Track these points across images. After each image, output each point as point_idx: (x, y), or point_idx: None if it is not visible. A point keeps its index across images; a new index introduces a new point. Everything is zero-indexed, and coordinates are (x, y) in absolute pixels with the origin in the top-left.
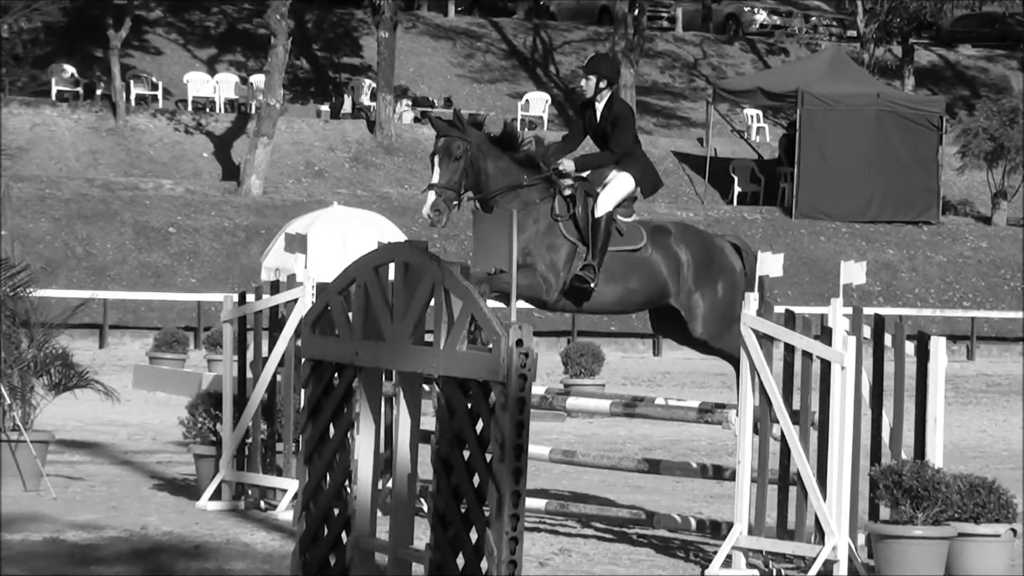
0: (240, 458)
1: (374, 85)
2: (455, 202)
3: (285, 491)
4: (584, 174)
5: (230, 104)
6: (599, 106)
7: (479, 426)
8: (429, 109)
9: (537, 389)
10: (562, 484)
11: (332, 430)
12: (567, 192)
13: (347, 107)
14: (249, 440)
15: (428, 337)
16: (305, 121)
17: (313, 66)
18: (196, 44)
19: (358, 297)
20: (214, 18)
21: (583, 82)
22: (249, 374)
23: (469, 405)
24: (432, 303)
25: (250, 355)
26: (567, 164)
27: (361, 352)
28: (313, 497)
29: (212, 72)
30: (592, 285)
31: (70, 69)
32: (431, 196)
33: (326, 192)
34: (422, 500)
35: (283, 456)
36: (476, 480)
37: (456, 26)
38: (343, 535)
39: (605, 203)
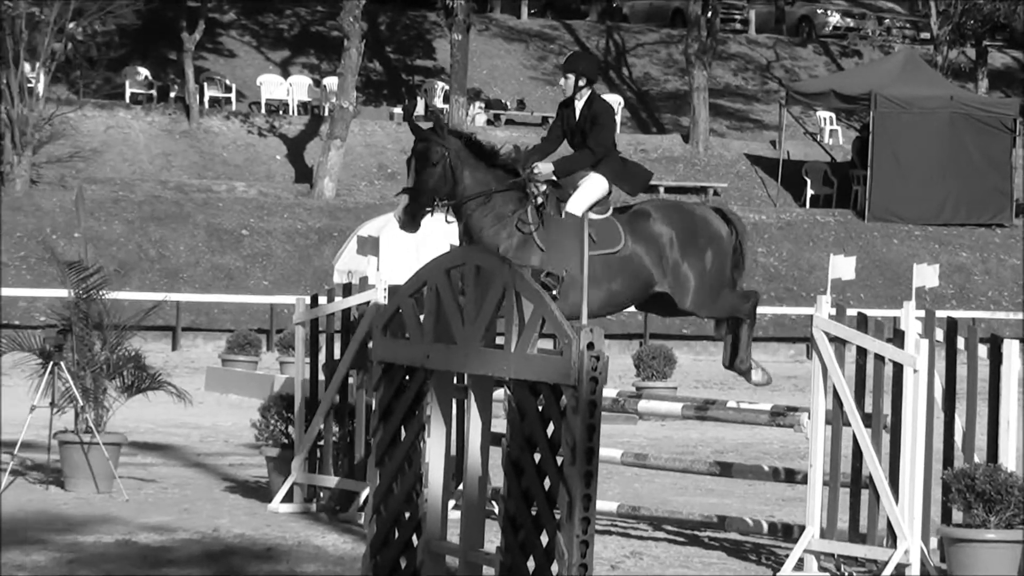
0: (312, 460)
1: (447, 87)
2: (427, 208)
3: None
4: (556, 177)
5: (303, 106)
6: (578, 105)
7: (550, 429)
8: (502, 112)
9: (609, 392)
10: (634, 487)
11: (403, 433)
12: (539, 200)
13: (420, 109)
14: (321, 442)
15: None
16: (378, 123)
17: (386, 68)
18: (269, 46)
19: (429, 300)
20: (287, 20)
21: (561, 81)
22: (321, 376)
23: (540, 408)
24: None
25: (322, 357)
26: (542, 167)
27: (432, 355)
28: (384, 500)
29: (285, 74)
30: (554, 292)
31: (144, 72)
32: (404, 199)
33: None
34: (493, 503)
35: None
36: (547, 483)
37: (529, 28)
38: (414, 538)
39: (573, 208)
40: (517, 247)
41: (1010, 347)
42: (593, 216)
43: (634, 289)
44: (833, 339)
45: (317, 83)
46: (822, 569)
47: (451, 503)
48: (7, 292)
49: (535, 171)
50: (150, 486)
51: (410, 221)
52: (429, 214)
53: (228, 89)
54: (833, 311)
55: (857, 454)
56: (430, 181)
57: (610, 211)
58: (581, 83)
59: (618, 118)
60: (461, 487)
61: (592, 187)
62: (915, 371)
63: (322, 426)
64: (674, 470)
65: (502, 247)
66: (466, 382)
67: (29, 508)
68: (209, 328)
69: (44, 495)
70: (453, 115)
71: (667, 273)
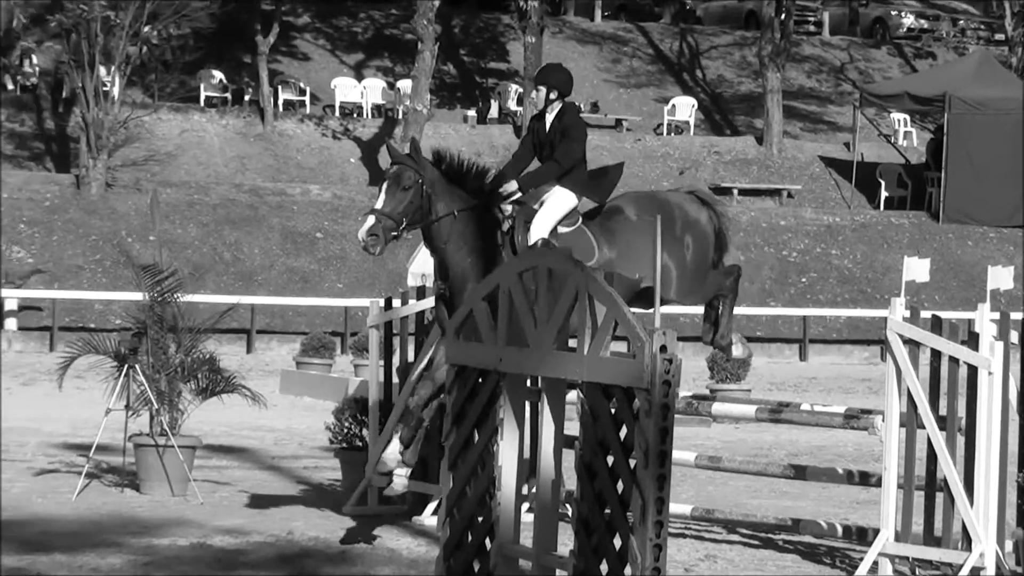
0: None
1: (521, 90)
2: (394, 233)
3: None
4: (522, 193)
5: (377, 109)
6: (549, 117)
7: (623, 432)
8: None
9: (683, 394)
10: (708, 490)
11: (476, 436)
12: (505, 226)
13: (494, 112)
14: None
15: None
16: (452, 126)
17: (460, 71)
18: (343, 50)
19: (502, 303)
20: (361, 24)
21: (533, 93)
22: (395, 379)
23: (613, 411)
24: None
25: (396, 360)
26: (507, 186)
27: (505, 358)
28: (457, 503)
29: (359, 77)
30: None
31: (219, 75)
32: (370, 220)
33: None
34: (567, 505)
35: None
36: (620, 486)
37: (603, 31)
38: (487, 541)
39: (538, 229)
40: None
41: None
42: (562, 230)
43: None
44: (907, 341)
45: (391, 86)
46: (897, 572)
47: (524, 506)
48: (84, 295)
49: (502, 191)
50: (224, 489)
51: (374, 243)
52: (395, 238)
53: (302, 92)
54: (907, 313)
55: (932, 457)
56: (399, 205)
57: (579, 222)
58: (553, 96)
59: (691, 119)
60: (534, 490)
61: (557, 203)
62: (990, 373)
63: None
64: (748, 473)
65: (475, 279)
66: (539, 385)
67: (104, 511)
68: (283, 331)
69: (119, 498)
70: (527, 117)
71: (648, 267)
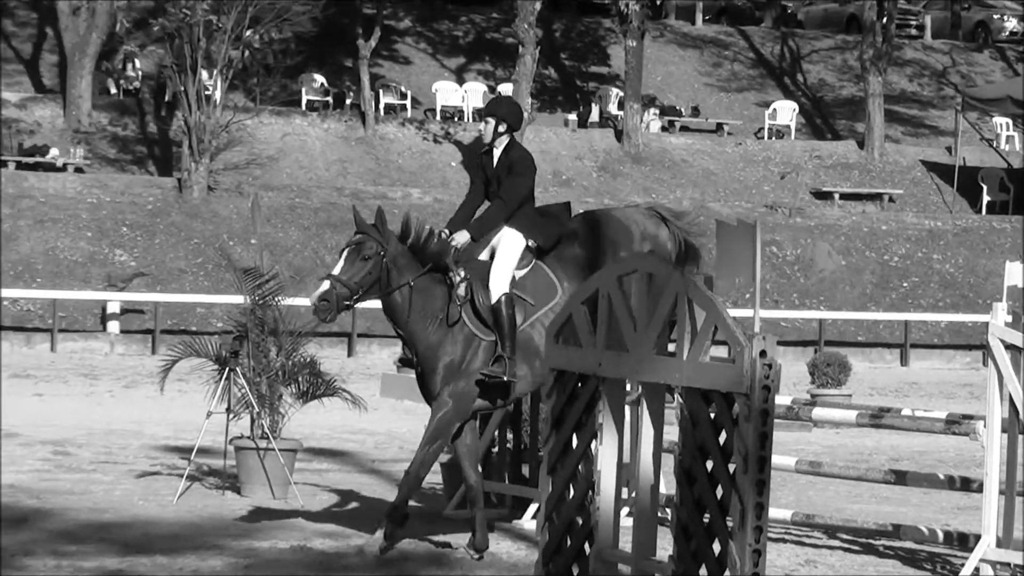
0: (486, 467)
1: (621, 94)
2: (347, 302)
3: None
4: (474, 240)
5: (478, 113)
6: (496, 152)
7: (722, 437)
8: (676, 118)
9: (783, 399)
10: (808, 495)
11: (575, 441)
12: (462, 289)
13: (595, 116)
14: (495, 449)
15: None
16: (553, 130)
17: (561, 75)
18: (445, 54)
19: (601, 307)
20: (462, 27)
21: (482, 125)
22: None
23: (712, 416)
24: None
25: None
26: (459, 238)
27: (604, 363)
28: (556, 508)
29: (460, 81)
30: (505, 377)
31: (320, 79)
32: (325, 285)
33: (573, 201)
34: (667, 510)
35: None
36: (719, 491)
37: (704, 35)
38: (586, 546)
39: (497, 285)
40: (463, 348)
41: None
42: (519, 273)
43: None
44: (1009, 346)
45: (492, 90)
46: None
47: (623, 511)
48: (185, 298)
49: (453, 243)
50: (325, 492)
51: (325, 308)
52: (347, 308)
53: (403, 96)
54: (1009, 318)
55: None
56: (357, 275)
57: (533, 261)
58: (501, 128)
59: (792, 123)
60: (633, 495)
61: (507, 251)
62: None
63: (496, 433)
64: (848, 478)
65: (446, 359)
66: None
67: (205, 513)
68: (384, 335)
69: (220, 500)
70: (627, 121)
71: None
